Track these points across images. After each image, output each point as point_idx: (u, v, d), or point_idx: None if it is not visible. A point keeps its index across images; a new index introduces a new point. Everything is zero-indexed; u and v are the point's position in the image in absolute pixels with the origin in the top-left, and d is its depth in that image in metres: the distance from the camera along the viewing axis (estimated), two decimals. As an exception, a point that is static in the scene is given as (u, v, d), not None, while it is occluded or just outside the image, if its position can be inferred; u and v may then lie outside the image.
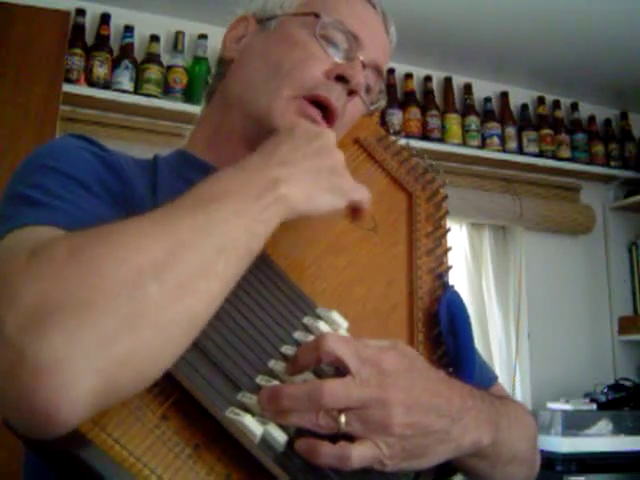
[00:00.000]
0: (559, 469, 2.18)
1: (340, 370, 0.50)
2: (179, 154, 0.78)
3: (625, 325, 2.92)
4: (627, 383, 2.61)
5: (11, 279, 0.42)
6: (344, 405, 0.48)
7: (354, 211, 0.61)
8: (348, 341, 0.52)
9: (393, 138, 0.87)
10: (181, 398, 0.48)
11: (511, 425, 0.65)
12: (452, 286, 0.73)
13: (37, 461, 0.58)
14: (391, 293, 0.70)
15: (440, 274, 0.75)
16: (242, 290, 0.56)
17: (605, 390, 2.57)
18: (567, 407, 2.39)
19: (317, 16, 0.72)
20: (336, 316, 0.60)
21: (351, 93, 0.72)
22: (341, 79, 0.71)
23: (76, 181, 0.60)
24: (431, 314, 0.70)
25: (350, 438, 0.49)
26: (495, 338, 2.74)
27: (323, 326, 0.58)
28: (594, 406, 2.43)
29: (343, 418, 0.48)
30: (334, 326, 0.59)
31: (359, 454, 0.49)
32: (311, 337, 0.56)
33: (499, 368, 2.65)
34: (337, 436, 0.49)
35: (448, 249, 0.79)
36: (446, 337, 0.67)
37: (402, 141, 0.87)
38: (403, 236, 0.77)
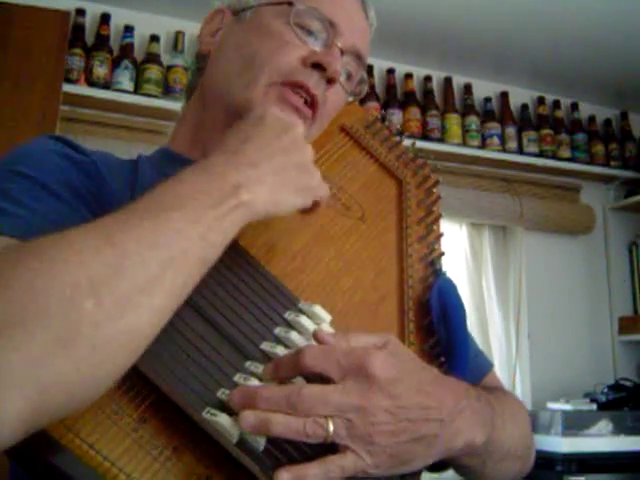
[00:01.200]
0: (559, 469, 2.18)
1: (323, 379, 0.49)
2: (162, 152, 0.78)
3: (625, 325, 2.92)
4: (627, 383, 2.61)
5: None
6: (322, 411, 0.46)
7: (311, 208, 0.59)
8: (328, 352, 0.49)
9: (381, 124, 0.84)
10: (158, 399, 0.47)
11: (506, 423, 0.64)
12: (444, 273, 0.72)
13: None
14: (380, 283, 0.69)
15: (432, 261, 0.73)
16: (220, 287, 0.55)
17: (605, 390, 2.57)
18: (567, 407, 2.39)
19: (290, 4, 0.71)
20: (319, 310, 0.58)
21: (330, 81, 0.71)
22: (318, 67, 0.70)
23: (39, 185, 0.58)
24: (422, 303, 0.68)
25: (326, 446, 0.48)
26: (495, 338, 2.74)
27: (305, 321, 0.56)
28: (594, 406, 2.43)
29: (332, 426, 0.46)
30: (317, 320, 0.58)
31: (341, 467, 0.47)
32: (293, 333, 0.55)
33: (499, 368, 2.64)
34: (312, 445, 0.48)
35: (440, 235, 0.77)
36: (437, 326, 0.66)
37: (406, 142, 0.85)
38: (393, 224, 0.75)
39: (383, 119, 0.85)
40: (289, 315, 0.57)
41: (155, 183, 0.69)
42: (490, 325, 2.74)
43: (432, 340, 0.66)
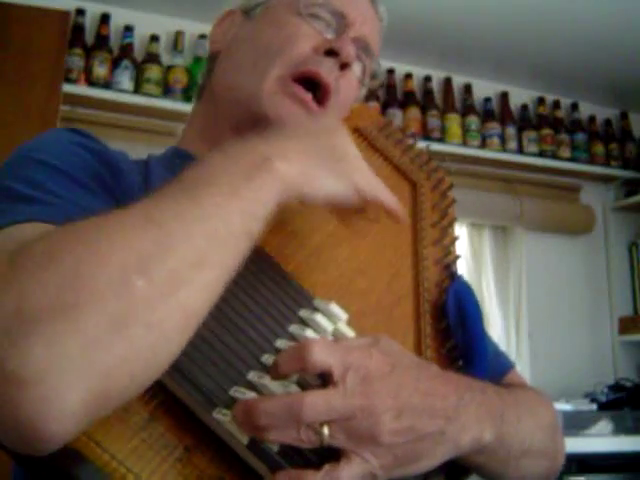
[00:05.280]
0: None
1: (323, 377, 0.47)
2: (172, 151, 0.77)
3: (625, 325, 2.92)
4: (627, 383, 2.61)
5: None
6: (327, 418, 0.44)
7: (386, 212, 0.57)
8: (334, 349, 0.47)
9: (395, 127, 0.84)
10: (168, 398, 0.46)
11: (521, 415, 0.60)
12: (460, 276, 0.70)
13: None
14: (396, 285, 0.67)
15: (447, 264, 0.72)
16: (233, 282, 0.52)
17: (605, 390, 2.56)
18: (567, 407, 2.39)
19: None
20: (335, 308, 0.56)
21: (343, 67, 0.71)
22: (331, 53, 0.70)
23: (66, 174, 0.57)
24: (439, 306, 0.67)
25: (334, 449, 0.46)
26: (495, 338, 2.73)
27: (320, 319, 0.54)
28: (594, 406, 2.43)
29: (326, 430, 0.44)
30: (333, 319, 0.56)
31: (348, 475, 0.45)
32: (308, 331, 0.53)
33: (499, 368, 2.64)
34: (320, 449, 0.45)
35: (455, 238, 0.76)
36: (455, 329, 0.64)
37: (420, 145, 0.84)
38: (407, 226, 0.74)
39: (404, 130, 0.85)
40: (304, 313, 0.56)
41: (167, 180, 0.68)
42: (490, 325, 2.74)
43: (449, 343, 0.65)
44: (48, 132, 0.66)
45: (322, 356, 0.45)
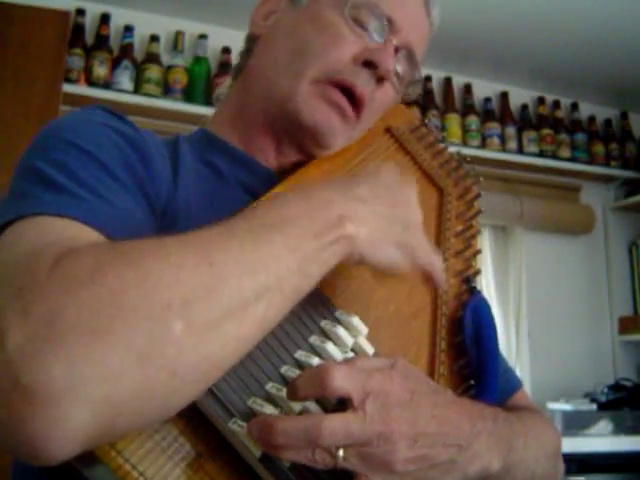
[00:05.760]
0: (559, 469, 2.18)
1: (341, 400, 0.46)
2: (202, 134, 0.75)
3: (625, 325, 2.92)
4: (627, 383, 2.61)
5: (32, 286, 0.38)
6: (344, 443, 0.44)
7: (426, 277, 0.57)
8: (354, 374, 0.46)
9: (427, 129, 0.82)
10: None
11: (528, 443, 0.60)
12: (479, 292, 0.70)
13: (25, 466, 0.55)
14: (415, 296, 0.66)
15: (468, 278, 0.71)
16: None
17: (605, 390, 2.56)
18: (567, 407, 2.39)
19: (346, 2, 0.67)
20: (356, 322, 0.56)
21: (380, 80, 0.68)
22: (369, 64, 0.67)
23: (102, 166, 0.54)
24: (455, 320, 0.66)
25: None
26: (495, 338, 2.73)
27: (342, 332, 0.54)
28: (594, 406, 2.43)
29: (341, 453, 0.44)
30: (353, 332, 0.56)
31: None
32: (329, 344, 0.52)
33: (499, 368, 2.64)
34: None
35: (478, 252, 0.74)
36: (470, 347, 0.64)
37: (450, 149, 0.83)
38: (431, 235, 0.72)
39: (427, 124, 0.83)
40: (326, 324, 0.55)
41: (196, 168, 0.66)
42: (490, 325, 2.73)
43: (462, 361, 0.64)
44: (82, 111, 0.63)
45: (342, 382, 0.45)
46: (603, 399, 2.50)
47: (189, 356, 0.38)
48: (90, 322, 0.36)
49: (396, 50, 0.69)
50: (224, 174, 0.69)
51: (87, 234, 0.47)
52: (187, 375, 0.39)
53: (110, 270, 0.38)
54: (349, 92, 0.67)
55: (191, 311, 0.39)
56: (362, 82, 0.67)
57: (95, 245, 0.43)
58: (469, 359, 0.64)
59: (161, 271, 0.39)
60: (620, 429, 2.31)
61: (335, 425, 0.44)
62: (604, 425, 2.30)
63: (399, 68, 0.71)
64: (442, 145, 0.82)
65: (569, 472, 2.17)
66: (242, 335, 0.42)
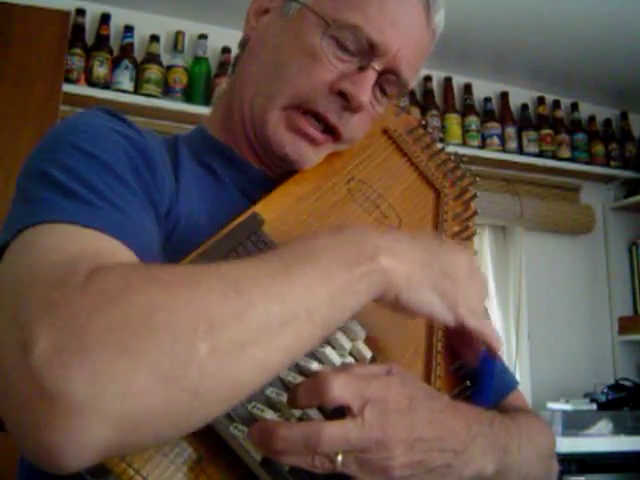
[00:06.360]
0: (559, 469, 2.18)
1: (340, 407, 0.47)
2: (199, 133, 0.75)
3: (625, 325, 2.92)
4: (627, 383, 2.61)
5: (65, 298, 0.39)
6: (343, 449, 0.45)
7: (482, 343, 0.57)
8: (353, 383, 0.46)
9: (423, 130, 0.82)
10: None
11: (522, 446, 0.61)
12: None
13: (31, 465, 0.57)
14: None
15: None
16: None
17: (605, 390, 2.57)
18: (567, 407, 2.39)
19: (328, 24, 0.65)
20: (354, 325, 0.56)
21: (355, 110, 0.67)
22: (343, 96, 0.66)
23: (112, 171, 0.53)
24: None
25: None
26: (495, 338, 2.73)
27: (340, 336, 0.55)
28: (594, 406, 2.43)
29: (340, 458, 0.45)
30: (352, 335, 0.57)
31: None
32: (327, 348, 0.53)
33: (499, 368, 2.64)
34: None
35: (474, 253, 0.74)
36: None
37: (447, 149, 0.83)
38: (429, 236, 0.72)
39: (425, 126, 0.83)
40: None
41: (195, 170, 0.66)
42: (490, 325, 2.73)
43: (458, 362, 0.65)
44: (87, 113, 0.62)
45: (341, 391, 0.45)
46: (603, 399, 2.50)
47: (212, 379, 0.39)
48: (118, 340, 0.37)
49: (382, 73, 0.68)
50: (221, 177, 0.70)
51: (110, 247, 0.47)
52: (208, 397, 0.39)
53: (141, 291, 0.39)
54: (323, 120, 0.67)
55: (217, 334, 0.39)
56: (334, 113, 0.67)
57: (125, 264, 0.44)
58: (465, 361, 0.64)
59: (190, 296, 0.40)
60: (620, 429, 2.31)
61: (334, 432, 0.44)
62: (604, 425, 2.30)
63: (387, 89, 0.70)
64: (439, 146, 0.82)
65: (569, 472, 2.18)
66: (266, 361, 0.42)
